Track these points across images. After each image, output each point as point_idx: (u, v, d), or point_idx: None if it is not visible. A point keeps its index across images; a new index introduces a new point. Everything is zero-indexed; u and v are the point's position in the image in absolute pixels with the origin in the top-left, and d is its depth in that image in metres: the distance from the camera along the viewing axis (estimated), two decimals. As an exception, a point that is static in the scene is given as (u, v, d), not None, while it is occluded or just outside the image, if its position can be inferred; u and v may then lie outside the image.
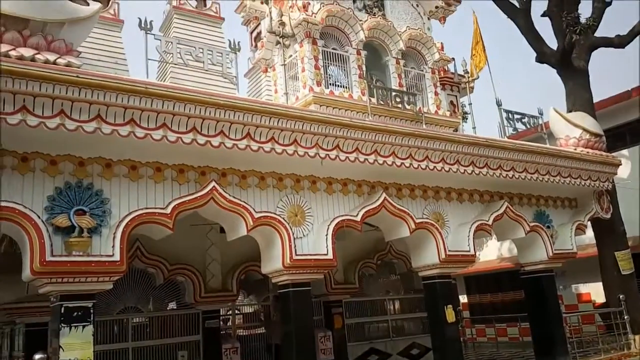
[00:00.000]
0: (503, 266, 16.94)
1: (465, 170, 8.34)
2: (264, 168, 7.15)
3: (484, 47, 10.33)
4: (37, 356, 6.53)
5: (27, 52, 5.21)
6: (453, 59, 10.38)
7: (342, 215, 7.53)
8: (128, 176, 6.17)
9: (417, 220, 8.09)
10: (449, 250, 8.30)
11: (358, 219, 7.56)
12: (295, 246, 6.94)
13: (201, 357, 9.51)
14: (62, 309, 5.54)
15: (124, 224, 5.83)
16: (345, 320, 11.13)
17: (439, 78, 10.43)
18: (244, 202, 6.77)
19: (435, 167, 8.01)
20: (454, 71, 10.65)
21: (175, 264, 9.40)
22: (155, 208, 6.16)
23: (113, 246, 5.69)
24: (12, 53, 5.11)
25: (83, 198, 5.79)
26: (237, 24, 11.76)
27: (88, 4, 7.65)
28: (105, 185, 5.99)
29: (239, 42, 7.64)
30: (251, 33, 12.12)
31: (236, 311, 11.20)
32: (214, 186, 6.50)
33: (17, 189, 5.48)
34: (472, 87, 10.43)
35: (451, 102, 11.67)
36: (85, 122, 5.38)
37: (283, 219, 7.01)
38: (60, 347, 5.42)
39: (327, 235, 7.19)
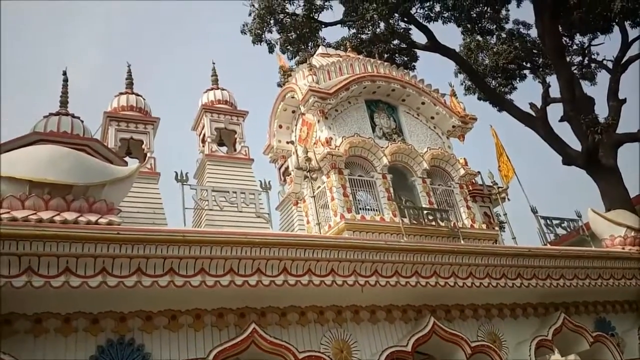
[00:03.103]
0: (572, 383, 15.40)
1: (513, 283, 7.95)
2: (304, 302, 6.95)
3: (508, 157, 10.44)
4: None
5: (70, 215, 5.47)
6: (479, 172, 10.46)
7: (390, 347, 7.09)
8: (168, 327, 6.05)
9: (473, 344, 7.55)
10: (512, 375, 7.65)
11: (409, 349, 7.10)
12: (345, 389, 6.50)
13: None
14: None
15: (165, 380, 5.61)
16: None
17: (469, 191, 10.44)
18: (286, 342, 6.48)
19: (481, 283, 7.67)
20: (482, 183, 10.70)
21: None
22: (197, 359, 5.95)
23: (155, 406, 5.44)
24: (57, 218, 5.37)
25: (125, 355, 5.66)
26: (266, 162, 12.34)
27: (127, 163, 8.19)
28: (146, 339, 5.87)
29: (269, 182, 7.91)
30: (279, 169, 12.63)
31: None
32: (254, 328, 6.29)
33: (59, 353, 5.41)
34: (504, 198, 10.37)
35: (485, 213, 11.55)
36: (126, 277, 5.43)
37: (329, 357, 6.63)
38: None
39: (378, 372, 6.74)
